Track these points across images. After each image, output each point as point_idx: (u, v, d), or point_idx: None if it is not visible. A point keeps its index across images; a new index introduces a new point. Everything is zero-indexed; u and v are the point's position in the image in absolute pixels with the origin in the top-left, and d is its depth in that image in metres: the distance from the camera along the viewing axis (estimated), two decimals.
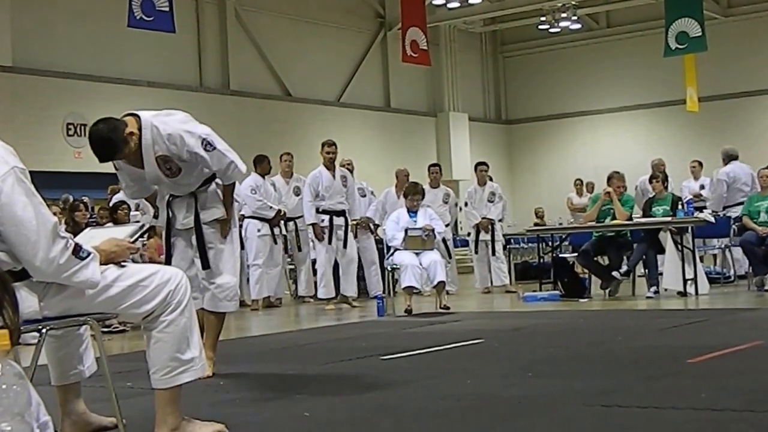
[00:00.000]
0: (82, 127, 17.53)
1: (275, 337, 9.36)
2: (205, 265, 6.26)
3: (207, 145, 6.02)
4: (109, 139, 5.53)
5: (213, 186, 6.29)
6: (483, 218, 14.59)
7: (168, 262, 6.32)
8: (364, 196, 14.22)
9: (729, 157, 14.34)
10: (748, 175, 14.02)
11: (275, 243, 13.42)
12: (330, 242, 12.43)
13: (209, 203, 6.27)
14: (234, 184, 6.38)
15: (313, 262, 14.23)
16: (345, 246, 12.52)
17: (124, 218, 11.71)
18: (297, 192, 13.70)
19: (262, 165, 13.54)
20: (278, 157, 14.00)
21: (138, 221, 12.70)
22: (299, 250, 13.90)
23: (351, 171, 13.55)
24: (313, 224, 12.41)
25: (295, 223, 13.80)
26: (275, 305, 13.56)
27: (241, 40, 20.59)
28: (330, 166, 12.53)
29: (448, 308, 10.90)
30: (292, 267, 14.52)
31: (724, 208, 13.31)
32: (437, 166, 15.30)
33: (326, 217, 12.43)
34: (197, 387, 4.23)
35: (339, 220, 12.52)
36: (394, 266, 11.32)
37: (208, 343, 6.12)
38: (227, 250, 6.34)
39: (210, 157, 6.01)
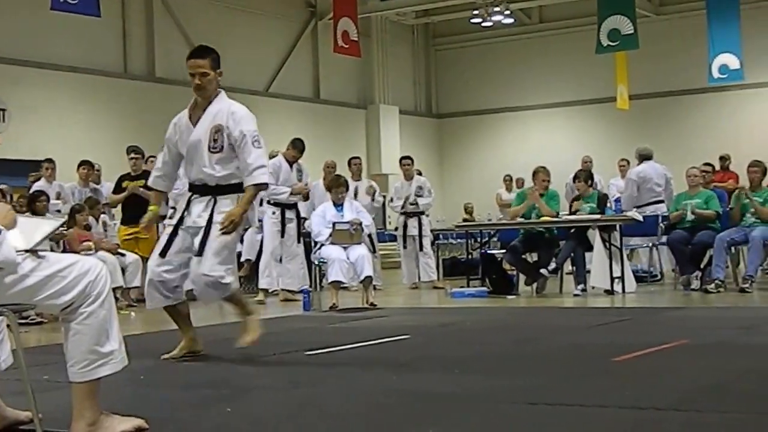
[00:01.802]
0: (2, 113, 17.15)
1: (200, 331, 9.18)
2: (200, 252, 6.40)
3: (256, 141, 6.36)
4: (213, 51, 6.46)
5: (236, 197, 6.45)
6: (409, 204, 14.52)
7: (163, 256, 6.53)
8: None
9: (641, 157, 14.48)
10: (660, 176, 14.14)
11: None
12: (282, 235, 12.33)
13: (225, 208, 6.41)
14: (256, 190, 6.48)
15: (238, 254, 14.11)
16: (299, 241, 12.45)
17: (42, 209, 11.46)
18: None
19: None
20: None
21: (59, 210, 12.48)
22: None
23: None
24: (292, 192, 12.27)
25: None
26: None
27: (168, 26, 20.30)
28: (291, 162, 12.48)
29: (375, 305, 10.82)
30: None
31: (637, 207, 13.40)
32: (358, 158, 15.24)
33: (277, 210, 12.33)
34: (117, 380, 4.12)
35: (290, 213, 12.42)
36: (321, 260, 11.21)
37: (240, 314, 6.83)
38: (222, 244, 6.39)
39: (252, 151, 6.30)
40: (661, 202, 13.70)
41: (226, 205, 6.44)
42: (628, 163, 16.20)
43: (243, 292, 13.50)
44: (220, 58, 6.63)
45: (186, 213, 6.55)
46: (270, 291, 12.57)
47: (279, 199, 12.34)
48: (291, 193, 12.36)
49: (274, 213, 12.35)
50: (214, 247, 6.39)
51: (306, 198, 12.67)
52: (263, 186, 6.55)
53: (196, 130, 6.45)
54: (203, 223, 6.43)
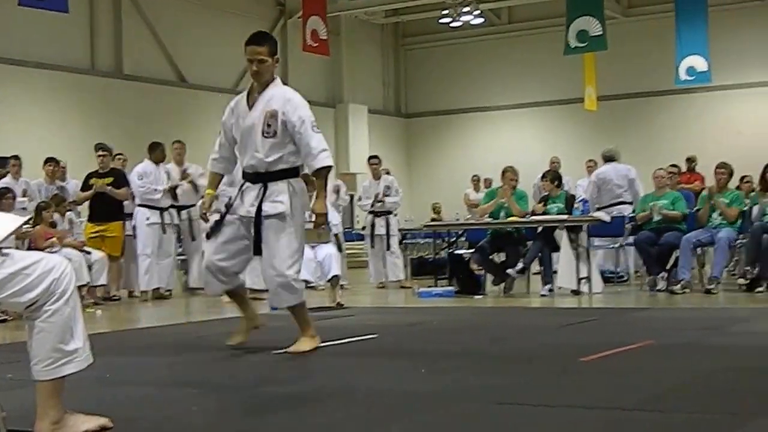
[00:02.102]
0: None
1: (165, 329, 9.18)
2: (257, 251, 6.52)
3: (314, 126, 6.49)
4: (272, 37, 6.66)
5: (286, 183, 6.52)
6: (377, 202, 14.53)
7: (209, 237, 6.75)
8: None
9: (604, 159, 14.59)
10: (621, 177, 14.23)
11: (164, 233, 13.17)
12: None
13: (276, 196, 6.49)
14: (325, 175, 6.58)
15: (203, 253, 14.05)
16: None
17: (9, 207, 11.36)
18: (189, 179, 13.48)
19: (155, 152, 13.31)
20: (170, 144, 13.75)
21: (25, 207, 12.37)
22: (192, 239, 13.68)
23: None
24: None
25: (189, 213, 13.58)
26: (165, 296, 13.32)
27: (136, 23, 20.17)
28: None
29: (342, 305, 10.79)
30: (184, 258, 14.25)
31: (599, 209, 13.47)
32: None
33: None
34: (81, 379, 4.08)
35: None
36: None
37: (301, 331, 6.75)
38: (287, 243, 6.49)
39: (313, 135, 6.42)
40: (625, 203, 13.75)
41: (276, 192, 6.51)
42: (596, 163, 16.25)
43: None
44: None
45: (239, 201, 6.64)
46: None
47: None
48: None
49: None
50: (280, 249, 6.48)
51: None
52: (329, 169, 6.60)
53: (250, 114, 6.57)
54: (253, 212, 6.53)
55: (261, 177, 6.58)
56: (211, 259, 6.74)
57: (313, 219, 6.67)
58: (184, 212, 13.55)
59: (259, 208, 6.51)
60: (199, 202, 12.83)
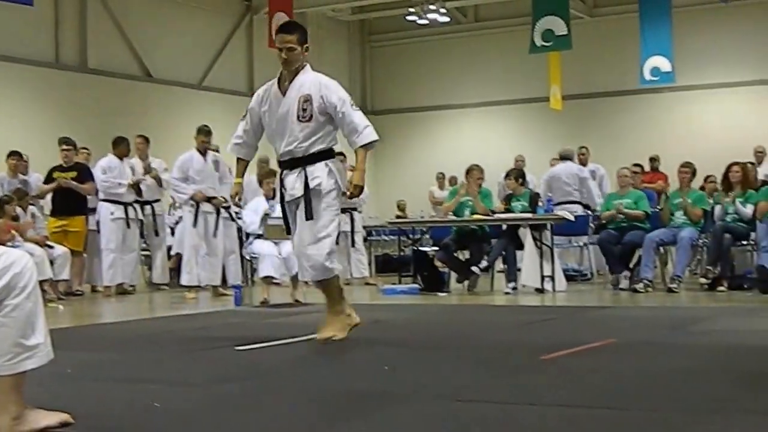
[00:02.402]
0: None
1: (128, 325, 9.14)
2: (309, 216, 6.67)
3: (353, 104, 6.73)
4: (302, 26, 6.80)
5: (323, 164, 6.72)
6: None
7: (288, 231, 6.94)
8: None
9: (560, 157, 14.69)
10: (572, 176, 14.39)
11: (128, 227, 13.10)
12: (194, 225, 12.20)
13: (316, 173, 6.68)
14: (368, 149, 6.76)
15: (169, 248, 13.99)
16: (215, 235, 12.31)
17: None
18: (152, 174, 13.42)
19: (119, 147, 13.24)
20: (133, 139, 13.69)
21: None
22: (156, 235, 13.63)
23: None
24: (192, 196, 12.13)
25: (152, 207, 13.52)
26: (129, 292, 13.25)
27: (101, 17, 20.00)
28: (203, 151, 12.35)
29: (299, 302, 10.77)
30: (147, 253, 14.20)
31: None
32: None
33: (195, 202, 12.21)
34: (42, 374, 4.05)
35: (208, 207, 12.31)
36: (253, 255, 11.16)
37: (329, 305, 6.91)
38: (322, 220, 6.70)
39: (353, 113, 6.66)
40: (575, 202, 13.81)
41: (316, 171, 6.69)
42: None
43: (173, 286, 13.49)
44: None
45: (283, 190, 6.81)
46: (192, 287, 12.36)
47: (182, 199, 12.26)
48: (192, 198, 12.16)
49: (192, 205, 12.22)
50: (318, 228, 6.68)
51: (208, 199, 12.38)
52: (374, 144, 6.77)
53: (284, 100, 6.71)
54: (300, 192, 6.69)
55: (299, 162, 6.74)
56: (298, 248, 6.87)
57: (349, 190, 6.79)
58: (148, 207, 13.49)
59: (306, 186, 6.69)
60: (170, 196, 12.89)
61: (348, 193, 6.79)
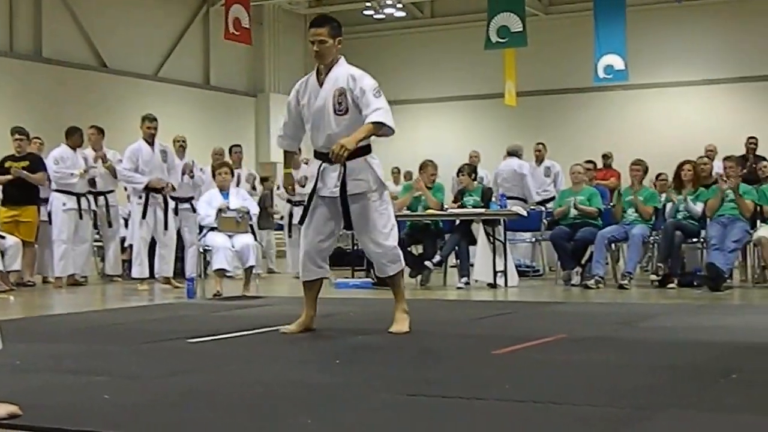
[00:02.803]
0: None
1: (79, 317, 9.08)
2: (348, 226, 6.91)
3: (376, 92, 6.69)
4: (334, 20, 6.90)
5: (363, 160, 6.81)
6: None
7: (300, 223, 7.09)
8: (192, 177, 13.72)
9: (507, 153, 14.83)
10: (510, 172, 14.53)
11: (81, 218, 13.00)
12: (144, 217, 12.11)
13: (358, 175, 6.79)
14: (375, 129, 6.69)
15: (122, 239, 13.89)
16: (166, 227, 12.24)
17: None
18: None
19: (73, 137, 13.13)
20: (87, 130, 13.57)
21: None
22: (109, 226, 13.54)
23: (184, 148, 13.36)
24: (147, 185, 12.04)
25: (106, 198, 13.43)
26: (81, 283, 13.16)
27: (56, 6, 19.84)
28: (150, 140, 12.25)
29: (247, 296, 10.72)
30: (100, 244, 14.10)
31: None
32: (239, 146, 15.18)
33: (143, 193, 12.14)
34: None
35: (157, 198, 12.23)
36: (206, 248, 11.13)
37: (396, 301, 7.13)
38: (379, 217, 6.91)
39: (372, 99, 6.62)
40: (513, 198, 13.88)
41: (357, 170, 6.78)
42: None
43: (126, 278, 13.42)
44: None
45: (320, 183, 6.87)
46: (143, 279, 12.28)
47: (138, 189, 12.15)
48: (147, 186, 12.09)
49: (140, 197, 12.14)
50: (376, 225, 6.89)
51: (157, 190, 12.32)
52: (380, 126, 6.66)
53: (320, 95, 6.81)
54: (338, 192, 6.80)
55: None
56: (311, 242, 7.00)
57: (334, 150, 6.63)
58: (101, 198, 13.39)
59: (343, 187, 6.77)
60: (123, 186, 12.75)
61: (331, 152, 6.65)
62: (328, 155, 6.73)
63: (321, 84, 6.87)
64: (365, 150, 6.86)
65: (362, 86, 6.73)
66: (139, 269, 12.18)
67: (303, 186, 14.37)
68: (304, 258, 7.11)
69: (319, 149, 6.94)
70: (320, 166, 6.91)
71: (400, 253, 7.14)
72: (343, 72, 6.86)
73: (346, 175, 6.78)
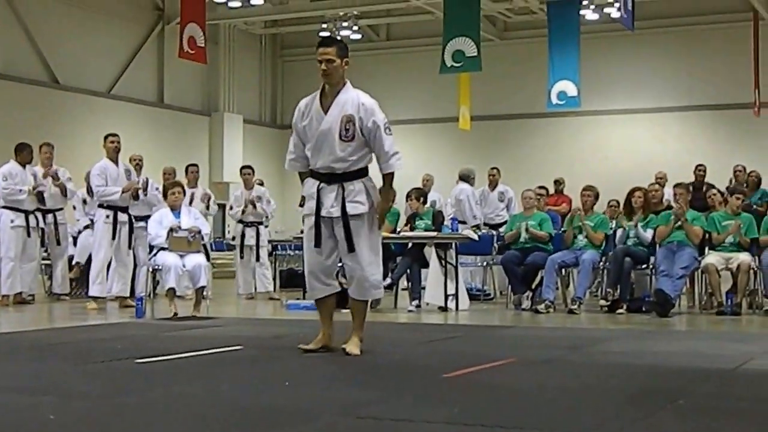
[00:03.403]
0: None
1: (25, 335, 8.97)
2: (351, 248, 6.87)
3: (387, 129, 6.86)
4: (341, 41, 6.96)
5: (361, 183, 6.90)
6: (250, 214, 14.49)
7: (317, 245, 6.98)
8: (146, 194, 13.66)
9: (458, 178, 14.99)
10: (452, 197, 14.68)
11: (29, 236, 12.82)
12: (114, 237, 12.01)
13: (355, 197, 6.87)
14: (393, 175, 6.94)
15: (70, 258, 13.72)
16: (130, 246, 12.15)
17: None
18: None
19: (22, 154, 12.96)
20: (38, 147, 13.42)
21: None
22: (58, 244, 13.37)
23: (140, 168, 13.22)
24: (123, 190, 11.94)
25: (55, 216, 13.27)
26: (28, 302, 12.98)
27: (9, 20, 19.68)
28: (114, 158, 12.17)
29: (197, 317, 10.63)
30: (48, 262, 13.92)
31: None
32: (195, 166, 15.09)
33: (110, 213, 12.03)
34: None
35: (123, 217, 12.14)
36: (157, 267, 11.04)
37: (355, 327, 7.06)
38: (370, 241, 6.94)
39: (386, 139, 6.81)
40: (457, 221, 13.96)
41: (355, 192, 6.86)
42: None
43: (73, 297, 13.28)
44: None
45: (320, 204, 6.93)
46: (101, 298, 12.19)
47: (111, 200, 12.04)
48: (122, 192, 12.03)
49: (108, 216, 12.05)
50: (367, 248, 6.92)
51: (136, 197, 12.28)
52: (399, 169, 6.90)
53: (326, 118, 6.84)
54: (337, 213, 6.87)
55: (337, 177, 6.90)
56: (315, 261, 7.05)
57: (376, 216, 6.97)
58: (50, 216, 13.24)
59: (343, 208, 6.85)
60: (72, 205, 12.65)
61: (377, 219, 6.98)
62: (327, 176, 6.89)
63: (326, 108, 6.90)
64: (363, 173, 6.96)
65: (375, 119, 6.82)
66: (99, 288, 12.05)
67: (254, 207, 14.53)
68: (309, 278, 7.14)
69: (317, 170, 6.99)
70: (319, 186, 6.96)
71: (381, 279, 7.17)
72: (351, 98, 6.90)
73: (345, 197, 6.87)
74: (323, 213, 6.94)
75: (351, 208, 6.87)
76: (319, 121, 6.89)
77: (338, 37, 23.68)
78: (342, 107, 6.85)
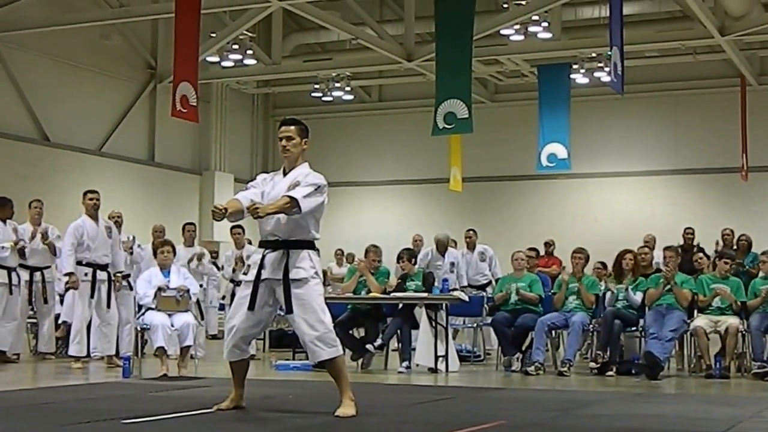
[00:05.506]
0: None
1: (9, 395, 8.88)
2: (289, 310, 6.97)
3: (311, 185, 7.01)
4: (303, 123, 7.30)
5: (306, 252, 7.05)
6: (242, 273, 14.43)
7: (251, 308, 7.06)
8: (132, 252, 13.62)
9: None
10: (445, 263, 14.74)
11: (11, 293, 12.67)
12: (93, 296, 11.95)
13: (298, 263, 6.98)
14: (289, 203, 6.88)
15: (56, 316, 13.59)
16: (108, 305, 12.08)
17: None
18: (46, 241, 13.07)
19: (4, 209, 12.86)
20: (28, 203, 13.38)
21: None
22: (45, 302, 13.23)
23: (120, 224, 13.15)
24: (69, 273, 11.90)
25: (42, 274, 13.17)
26: (12, 361, 12.81)
27: (0, 78, 19.74)
28: (94, 215, 12.13)
29: (184, 377, 10.55)
30: (34, 321, 13.76)
31: None
32: (192, 224, 15.05)
33: (89, 270, 11.97)
34: None
35: (102, 275, 12.08)
36: (144, 326, 10.96)
37: (340, 390, 7.07)
38: (319, 300, 7.02)
39: (307, 187, 6.95)
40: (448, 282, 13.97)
41: (299, 259, 7.01)
42: (456, 243, 16.43)
43: (59, 356, 13.18)
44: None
45: (262, 269, 7.03)
46: (80, 358, 12.07)
47: (89, 258, 12.00)
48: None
49: (86, 274, 11.99)
50: (313, 305, 6.98)
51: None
52: (295, 202, 6.86)
53: (278, 186, 7.11)
54: (278, 276, 6.97)
55: (282, 244, 7.03)
56: (242, 327, 7.16)
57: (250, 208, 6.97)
58: (38, 273, 13.15)
59: (286, 273, 6.95)
60: (60, 263, 12.55)
61: (247, 209, 6.98)
62: (272, 243, 7.02)
63: (289, 170, 7.21)
64: (309, 245, 7.12)
65: (307, 179, 7.04)
66: (78, 347, 11.97)
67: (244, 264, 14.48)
68: (234, 337, 7.21)
69: (264, 237, 7.14)
70: (264, 252, 7.09)
71: (336, 338, 7.14)
72: (303, 172, 7.16)
73: (288, 263, 6.97)
74: (267, 275, 7.05)
75: (294, 273, 6.99)
76: (274, 188, 7.17)
77: (329, 98, 23.93)
78: (293, 178, 7.12)
